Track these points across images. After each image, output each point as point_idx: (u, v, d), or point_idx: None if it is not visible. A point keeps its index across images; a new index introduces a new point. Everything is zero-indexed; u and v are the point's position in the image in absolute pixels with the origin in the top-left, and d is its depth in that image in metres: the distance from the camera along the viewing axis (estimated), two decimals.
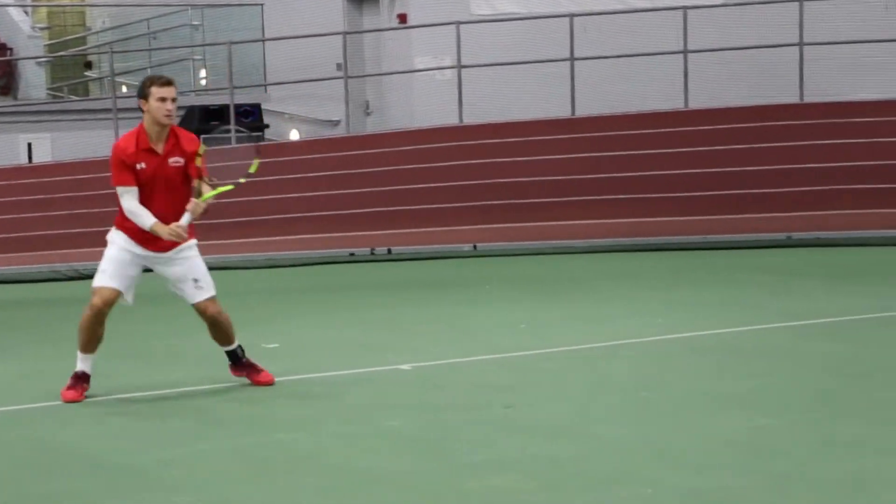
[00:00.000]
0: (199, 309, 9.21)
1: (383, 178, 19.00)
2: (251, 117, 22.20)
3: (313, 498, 6.55)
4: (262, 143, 20.80)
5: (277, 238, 18.79)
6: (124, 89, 24.99)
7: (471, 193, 18.76)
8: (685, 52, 18.97)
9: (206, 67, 24.69)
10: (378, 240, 18.89)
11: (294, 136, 22.86)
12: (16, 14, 24.73)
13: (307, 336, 12.00)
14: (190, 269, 9.15)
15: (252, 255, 18.65)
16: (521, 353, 10.46)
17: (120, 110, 20.40)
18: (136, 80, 25.44)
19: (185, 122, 22.34)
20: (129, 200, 8.93)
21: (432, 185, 18.90)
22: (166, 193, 8.97)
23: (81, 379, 9.11)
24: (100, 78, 26.28)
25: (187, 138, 9.09)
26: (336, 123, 22.69)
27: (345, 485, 6.78)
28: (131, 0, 27.12)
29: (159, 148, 8.95)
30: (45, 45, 26.09)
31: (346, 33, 21.22)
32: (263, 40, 23.22)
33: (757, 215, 18.40)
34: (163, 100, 8.88)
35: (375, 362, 10.25)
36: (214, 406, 8.92)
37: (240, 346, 9.52)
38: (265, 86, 23.26)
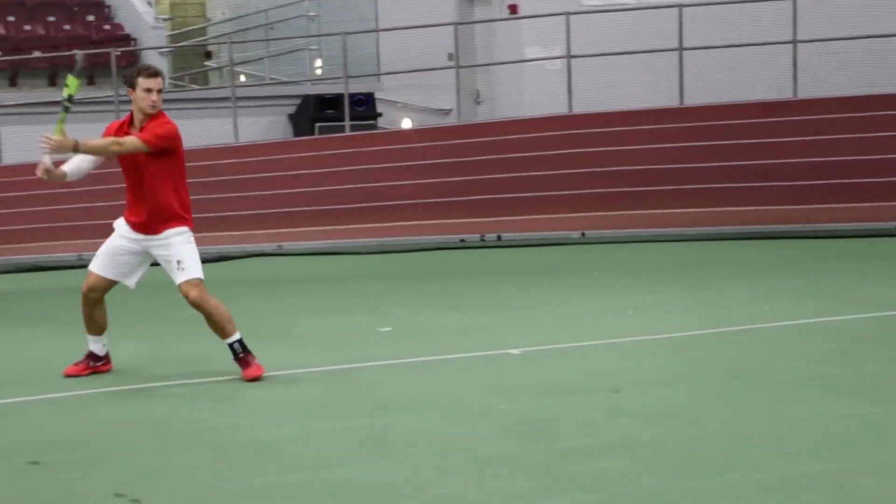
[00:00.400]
0: (182, 292, 9.14)
1: (493, 165, 18.99)
2: (364, 106, 22.27)
3: (428, 477, 6.57)
4: (370, 133, 20.90)
5: (389, 224, 18.86)
6: (242, 78, 25.22)
7: (579, 181, 18.70)
8: (794, 41, 18.72)
9: (321, 57, 24.82)
10: (488, 226, 18.90)
11: (406, 124, 22.91)
12: (140, 6, 25.05)
13: (419, 320, 12.04)
14: (176, 252, 9.14)
15: (365, 240, 18.74)
16: (629, 339, 10.41)
17: (238, 98, 20.60)
18: (254, 70, 25.74)
19: (301, 110, 22.51)
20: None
21: (541, 172, 18.86)
22: (137, 177, 9.13)
23: (91, 357, 9.46)
24: (219, 67, 26.53)
25: (155, 122, 9.08)
26: (447, 112, 22.70)
27: (457, 465, 6.78)
28: None
29: (135, 132, 9.06)
30: (167, 36, 26.38)
31: (457, 24, 21.22)
32: (377, 31, 23.30)
33: (866, 204, 18.13)
34: (148, 90, 9.05)
35: (485, 346, 10.24)
36: (332, 387, 8.98)
37: (239, 341, 9.23)
38: (378, 75, 23.33)
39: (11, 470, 6.87)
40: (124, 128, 9.14)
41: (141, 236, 9.18)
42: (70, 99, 9.11)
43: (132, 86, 9.10)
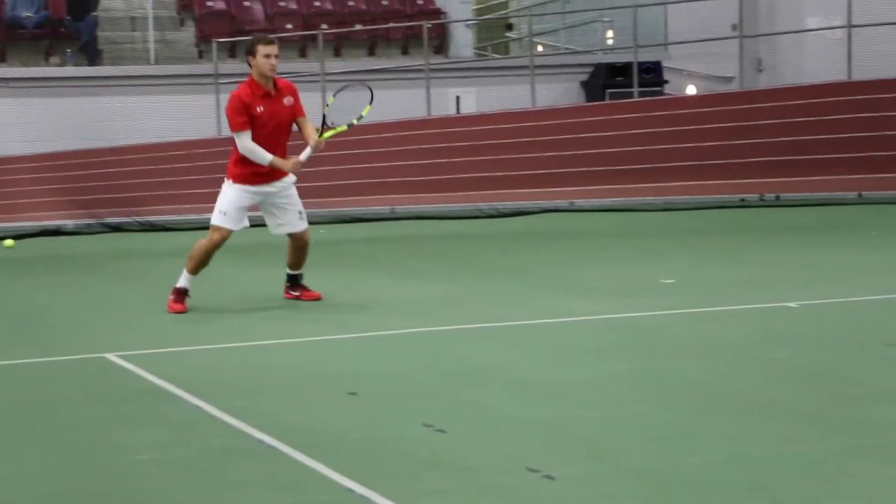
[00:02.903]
0: (299, 236, 9.99)
1: (773, 130, 18.53)
2: (652, 74, 22.01)
3: (706, 419, 6.48)
4: (657, 98, 20.66)
5: (674, 184, 18.65)
6: (540, 48, 25.25)
7: (857, 145, 18.06)
8: None
9: (613, 28, 24.63)
10: (767, 187, 18.49)
11: (691, 91, 22.55)
12: None
13: (700, 273, 11.87)
14: (295, 202, 9.98)
15: (650, 198, 18.59)
16: None
17: (536, 67, 20.63)
18: (551, 41, 25.73)
19: (593, 77, 22.40)
20: (246, 140, 9.67)
21: (820, 136, 18.29)
22: (278, 132, 9.77)
23: (183, 294, 9.99)
24: (519, 38, 26.62)
25: (288, 83, 9.98)
26: (730, 80, 22.23)
27: (734, 409, 6.66)
28: None
29: (272, 93, 9.74)
30: (472, 10, 26.62)
31: None
32: (666, 3, 22.96)
33: None
34: (267, 56, 9.65)
35: (763, 299, 10.02)
36: (617, 333, 8.94)
37: (301, 273, 10.26)
38: (666, 45, 23.02)
39: (333, 398, 7.08)
40: (257, 92, 9.71)
41: (262, 188, 9.86)
42: (359, 120, 9.99)
43: (252, 53, 9.70)
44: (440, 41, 24.04)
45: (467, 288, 11.21)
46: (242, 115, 9.67)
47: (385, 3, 24.56)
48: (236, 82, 21.16)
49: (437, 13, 24.44)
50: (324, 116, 9.96)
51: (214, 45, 20.58)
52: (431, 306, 10.24)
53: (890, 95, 18.07)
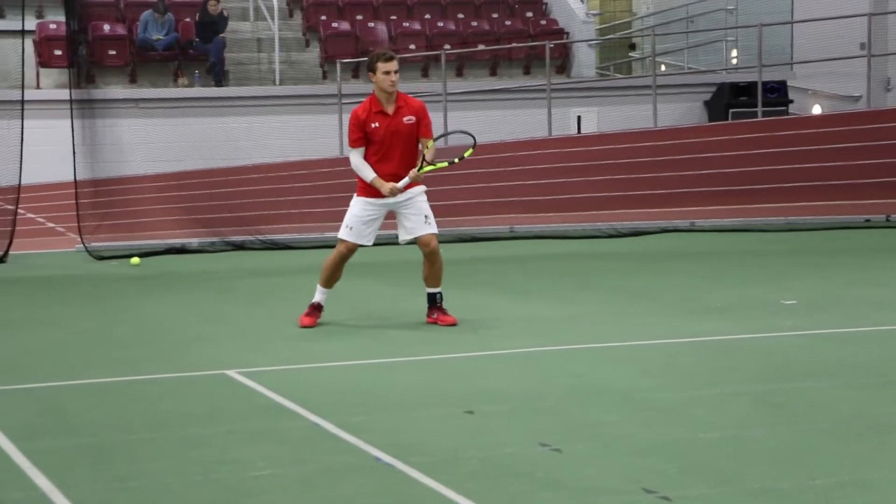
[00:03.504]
0: (424, 241, 9.94)
1: None
2: (777, 93, 21.75)
3: (825, 442, 6.38)
4: (781, 118, 20.40)
5: (796, 204, 18.38)
6: (663, 68, 25.10)
7: None
8: None
9: (737, 48, 24.40)
10: (893, 208, 18.12)
11: (816, 110, 22.23)
12: (573, 2, 25.31)
13: (824, 294, 11.67)
14: (421, 208, 9.96)
15: (773, 218, 18.34)
16: None
17: (659, 87, 20.51)
18: (674, 61, 25.57)
19: (716, 97, 22.21)
20: (356, 157, 9.88)
21: None
22: (401, 148, 9.80)
23: (316, 308, 10.19)
24: (642, 58, 26.50)
25: (414, 101, 9.97)
26: (857, 99, 21.87)
27: (856, 431, 6.55)
28: None
29: (390, 110, 9.79)
30: (595, 30, 26.56)
31: (871, 14, 20.40)
32: (792, 22, 22.69)
33: None
34: (387, 73, 9.71)
35: (888, 321, 9.85)
36: (739, 353, 8.84)
37: (440, 293, 10.20)
38: (791, 64, 22.74)
39: (448, 417, 7.11)
40: (373, 108, 9.81)
41: (390, 200, 9.94)
42: (460, 159, 10.04)
43: (373, 70, 9.77)
44: (562, 61, 24.03)
45: (586, 308, 11.16)
46: (357, 132, 9.84)
47: (508, 23, 24.63)
48: (360, 102, 21.40)
49: (560, 33, 24.43)
50: (423, 155, 9.95)
51: (339, 66, 20.82)
52: (549, 326, 10.22)
53: None
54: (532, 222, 18.45)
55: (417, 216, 9.97)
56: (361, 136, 9.84)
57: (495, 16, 24.87)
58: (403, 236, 10.16)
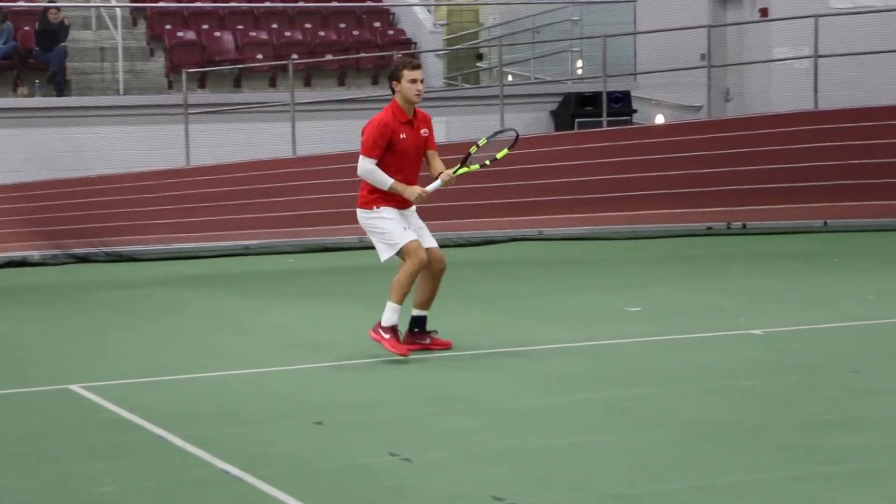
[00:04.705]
0: (439, 256, 9.17)
1: (741, 158, 18.59)
2: (621, 103, 22.07)
3: (673, 447, 6.47)
4: (626, 127, 20.72)
5: (641, 212, 18.68)
6: (510, 78, 25.31)
7: (823, 174, 18.14)
8: None
9: (582, 58, 24.72)
10: (734, 215, 18.53)
11: (659, 120, 22.62)
12: (420, 13, 25.38)
13: (668, 301, 11.87)
14: (420, 221, 9.27)
15: (618, 227, 18.60)
16: (868, 322, 10.05)
17: (506, 96, 20.66)
18: (520, 70, 25.80)
19: (562, 107, 22.45)
20: (370, 163, 9.09)
21: (787, 165, 18.37)
22: (414, 161, 9.21)
23: (396, 331, 9.09)
24: (489, 68, 26.68)
25: (423, 114, 9.37)
26: (698, 109, 22.34)
27: (702, 435, 6.66)
28: None
29: (413, 121, 9.20)
30: (443, 40, 26.67)
31: (710, 26, 20.86)
32: (635, 34, 23.07)
33: None
34: (413, 81, 9.14)
35: (730, 326, 10.04)
36: (586, 361, 8.94)
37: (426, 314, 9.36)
38: (635, 74, 23.12)
39: (298, 429, 7.05)
40: (400, 118, 9.17)
41: (405, 211, 9.23)
42: (492, 161, 9.36)
43: (397, 78, 9.18)
44: None
45: (437, 316, 11.16)
46: (381, 141, 9.06)
47: (356, 33, 24.58)
48: (205, 112, 21.10)
49: (408, 43, 24.47)
50: (468, 154, 9.29)
51: (184, 76, 20.55)
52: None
53: (855, 125, 18.17)
54: None
55: (422, 229, 9.24)
56: (385, 145, 9.08)
57: (343, 26, 24.81)
58: None
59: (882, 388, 7.67)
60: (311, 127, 20.56)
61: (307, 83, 23.35)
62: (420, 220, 9.30)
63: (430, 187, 9.06)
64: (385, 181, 9.06)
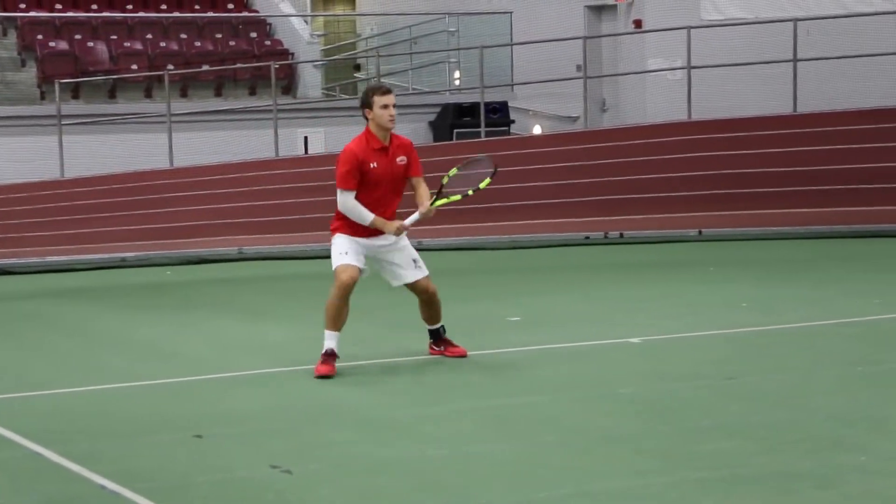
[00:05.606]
0: (421, 287, 9.10)
1: (617, 168, 18.84)
2: (499, 114, 22.26)
3: (551, 455, 6.53)
4: (504, 138, 20.88)
5: (520, 222, 18.82)
6: None
7: (697, 183, 18.46)
8: None
9: (459, 69, 24.86)
10: (611, 225, 18.76)
11: (537, 130, 22.85)
12: (297, 23, 25.32)
13: (546, 310, 11.97)
14: (409, 252, 9.10)
15: (497, 237, 18.73)
16: (743, 330, 10.24)
17: None
18: (399, 81, 25.86)
19: (441, 117, 22.58)
20: (349, 198, 8.86)
21: (662, 175, 18.66)
22: (391, 191, 8.99)
23: (331, 356, 8.89)
24: (367, 79, 26.70)
25: (402, 140, 9.12)
26: (575, 119, 22.60)
27: (580, 443, 6.74)
28: (396, 9, 27.50)
29: (388, 148, 8.96)
30: (321, 50, 26.64)
31: (585, 38, 21.12)
32: (511, 45, 23.27)
33: None
34: (385, 107, 8.86)
35: (608, 335, 10.17)
36: (466, 371, 8.97)
37: (442, 326, 9.42)
38: (512, 85, 23.31)
39: (177, 442, 6.98)
40: (373, 145, 8.94)
41: (373, 243, 9.02)
42: (474, 191, 9.18)
43: (369, 105, 8.92)
44: (288, 82, 23.99)
45: (316, 329, 11.12)
46: (353, 172, 8.84)
47: (232, 43, 24.43)
48: (79, 123, 20.80)
49: (285, 54, 24.40)
50: (441, 186, 9.10)
51: (57, 86, 20.23)
52: (280, 347, 10.16)
53: (727, 135, 18.52)
54: (261, 243, 18.34)
55: (406, 259, 9.08)
56: (358, 176, 8.86)
57: (219, 36, 24.65)
58: (395, 282, 9.24)
59: (757, 395, 7.82)
60: (188, 138, 20.39)
61: (184, 94, 23.15)
62: (410, 250, 9.10)
63: (409, 220, 8.94)
64: (365, 217, 8.87)
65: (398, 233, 8.95)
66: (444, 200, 9.06)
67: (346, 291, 8.89)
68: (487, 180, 9.24)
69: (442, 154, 19.89)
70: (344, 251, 8.93)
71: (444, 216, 19.05)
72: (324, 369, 8.80)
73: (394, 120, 8.94)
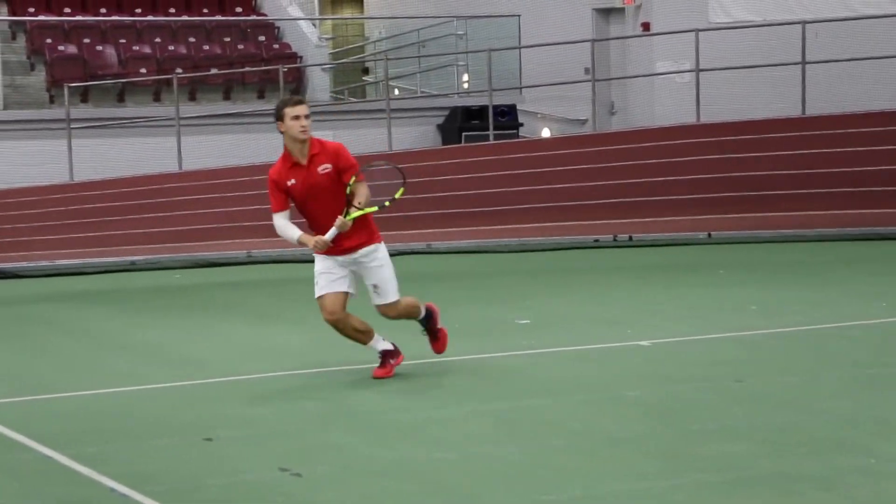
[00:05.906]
0: (381, 313, 9.01)
1: (626, 171, 18.86)
2: (507, 117, 22.28)
3: (557, 458, 6.57)
4: (512, 141, 20.91)
5: (529, 225, 18.84)
6: (396, 92, 25.40)
7: (706, 186, 18.47)
8: None
9: (468, 72, 24.90)
10: (620, 227, 18.78)
11: (545, 133, 22.87)
12: (305, 27, 25.37)
13: (556, 313, 12.00)
14: (373, 275, 8.86)
15: (506, 240, 18.76)
16: (752, 332, 10.27)
17: (392, 110, 20.73)
18: (407, 84, 25.92)
19: (449, 120, 22.61)
20: (279, 220, 8.76)
21: (671, 178, 18.68)
22: (322, 202, 8.70)
23: (387, 356, 8.92)
24: (375, 82, 26.76)
25: (331, 146, 8.82)
26: (583, 122, 22.63)
27: (587, 446, 6.78)
28: (404, 12, 27.54)
29: (304, 161, 8.70)
30: (329, 54, 26.68)
31: (594, 41, 21.15)
32: (520, 48, 23.30)
33: None
34: (296, 118, 8.65)
35: (617, 338, 10.20)
36: (474, 373, 9.01)
37: (423, 318, 9.17)
38: (520, 88, 23.34)
39: (186, 445, 7.02)
40: (287, 163, 8.77)
41: (342, 257, 8.83)
42: (391, 202, 8.90)
43: (280, 118, 8.74)
44: (296, 85, 24.04)
45: (326, 332, 11.16)
46: (276, 194, 8.71)
47: (241, 47, 24.49)
48: (88, 127, 20.84)
49: (294, 57, 24.45)
50: (348, 198, 8.70)
51: (66, 90, 20.30)
52: (290, 350, 10.21)
53: (736, 138, 18.53)
54: (270, 246, 18.39)
55: (374, 280, 8.86)
56: (283, 198, 8.70)
57: (227, 39, 24.71)
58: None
59: (762, 397, 7.85)
60: (197, 141, 20.46)
61: (192, 97, 23.21)
62: (377, 275, 8.87)
63: (328, 235, 8.69)
64: (291, 235, 8.73)
65: (317, 248, 8.68)
66: (359, 212, 8.69)
67: (336, 326, 8.82)
68: (402, 189, 8.95)
69: (450, 157, 19.96)
70: (316, 279, 8.83)
71: (452, 220, 19.15)
72: (380, 372, 8.85)
73: (306, 131, 8.67)
